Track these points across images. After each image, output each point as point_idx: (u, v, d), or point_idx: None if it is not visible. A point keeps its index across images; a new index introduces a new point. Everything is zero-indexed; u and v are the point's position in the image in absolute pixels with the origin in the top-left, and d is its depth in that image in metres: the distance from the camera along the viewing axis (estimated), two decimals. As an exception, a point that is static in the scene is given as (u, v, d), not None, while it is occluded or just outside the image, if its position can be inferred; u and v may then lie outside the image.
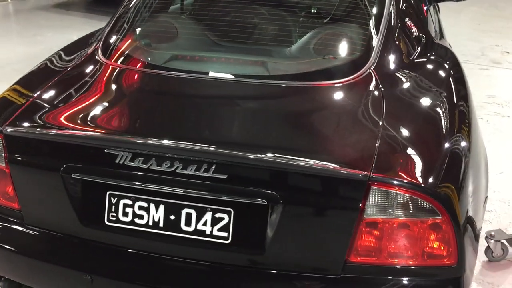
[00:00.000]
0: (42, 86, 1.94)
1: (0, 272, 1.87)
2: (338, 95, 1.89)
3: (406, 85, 1.99)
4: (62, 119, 1.76)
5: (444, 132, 1.74)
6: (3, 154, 1.71)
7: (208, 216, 1.57)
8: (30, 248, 1.77)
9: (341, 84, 1.88)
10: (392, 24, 2.12)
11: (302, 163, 1.50)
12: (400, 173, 1.50)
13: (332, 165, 1.49)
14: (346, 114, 1.80)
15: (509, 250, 2.65)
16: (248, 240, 1.57)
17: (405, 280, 1.55)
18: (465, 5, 8.24)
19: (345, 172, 1.48)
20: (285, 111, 1.84)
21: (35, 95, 1.89)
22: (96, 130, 1.71)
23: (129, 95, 1.97)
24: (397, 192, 1.48)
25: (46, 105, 1.83)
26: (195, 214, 1.58)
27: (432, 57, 2.26)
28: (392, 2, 2.20)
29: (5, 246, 1.78)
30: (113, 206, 1.63)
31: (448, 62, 2.30)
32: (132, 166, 1.55)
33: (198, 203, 1.57)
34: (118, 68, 2.04)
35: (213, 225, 1.57)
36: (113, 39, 2.17)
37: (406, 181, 1.47)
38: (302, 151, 1.59)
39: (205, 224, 1.58)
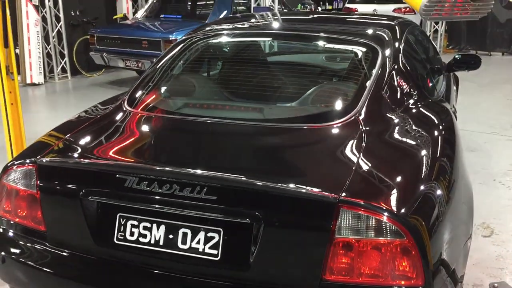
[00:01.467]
0: (73, 130, 2.29)
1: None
2: (323, 135, 2.13)
3: (388, 130, 2.19)
4: (84, 152, 2.07)
5: (413, 171, 1.93)
6: (35, 182, 2.02)
7: (201, 235, 1.79)
8: (51, 266, 2.01)
9: (327, 127, 2.12)
10: (382, 80, 2.37)
11: (279, 186, 1.72)
12: (367, 197, 1.68)
13: (306, 188, 1.70)
14: (327, 149, 2.03)
15: (513, 302, 2.68)
16: (235, 258, 1.77)
17: (376, 299, 1.69)
18: (500, 82, 8.41)
19: (317, 194, 1.68)
20: (273, 147, 2.10)
21: (66, 136, 2.22)
22: (109, 159, 2.01)
23: (140, 133, 2.29)
24: (364, 214, 1.66)
25: (73, 143, 2.16)
26: (190, 233, 1.81)
27: (421, 111, 2.47)
28: (383, 63, 2.47)
29: (30, 263, 2.03)
30: (122, 227, 1.88)
31: (438, 118, 2.50)
32: (138, 189, 1.82)
33: (192, 223, 1.80)
34: (137, 114, 2.37)
35: (205, 243, 1.79)
36: (138, 93, 2.53)
37: (372, 203, 1.66)
38: (282, 177, 1.81)
39: (198, 242, 1.80)
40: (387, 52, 2.59)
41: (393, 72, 2.48)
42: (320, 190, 1.69)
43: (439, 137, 2.29)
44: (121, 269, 1.90)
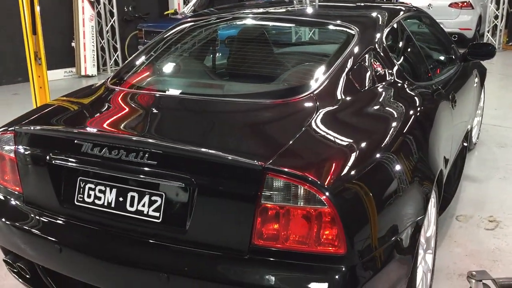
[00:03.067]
0: (58, 101, 2.48)
1: (4, 244, 2.33)
2: (274, 110, 2.18)
3: (342, 109, 2.21)
4: (55, 121, 2.26)
5: (350, 147, 1.94)
6: (13, 148, 2.22)
7: (146, 198, 1.92)
8: (26, 224, 2.21)
9: (281, 102, 2.19)
10: (350, 62, 2.40)
11: (210, 152, 1.81)
12: (294, 166, 1.74)
13: (235, 156, 1.78)
14: (273, 122, 2.11)
15: (493, 292, 2.62)
16: (174, 220, 1.88)
17: (300, 264, 1.74)
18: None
19: (244, 161, 1.76)
20: (220, 119, 2.19)
21: (49, 107, 2.42)
22: (71, 127, 2.18)
23: (106, 105, 2.44)
24: (288, 182, 1.72)
25: (51, 113, 2.35)
26: (137, 197, 1.93)
27: (389, 94, 2.46)
28: (357, 46, 2.50)
29: (11, 222, 2.24)
30: (81, 189, 2.04)
31: (408, 102, 2.49)
32: (92, 154, 1.97)
33: (139, 187, 1.93)
34: (112, 89, 2.55)
35: (149, 206, 1.91)
36: (121, 72, 2.72)
37: (296, 172, 1.71)
38: (217, 145, 1.91)
39: (144, 205, 1.92)
40: (365, 35, 2.60)
41: (367, 55, 2.50)
42: (248, 157, 1.77)
43: (396, 120, 2.26)
44: (81, 228, 2.06)
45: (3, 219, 2.24)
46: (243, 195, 1.77)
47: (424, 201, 2.15)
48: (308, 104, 2.17)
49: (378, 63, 2.54)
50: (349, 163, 1.83)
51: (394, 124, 2.19)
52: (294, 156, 1.82)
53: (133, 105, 2.39)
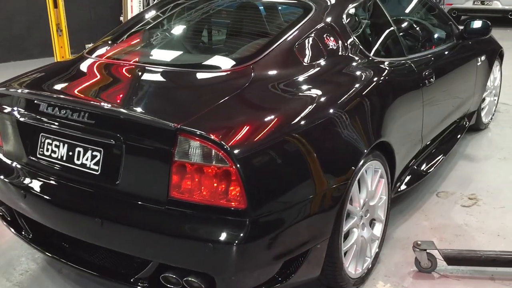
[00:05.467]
0: (42, 68, 2.81)
1: None
2: (210, 79, 2.38)
3: (279, 81, 2.36)
4: (28, 84, 2.57)
5: (269, 117, 2.09)
6: None
7: (89, 153, 2.19)
8: (4, 175, 2.54)
9: (219, 72, 2.40)
10: (299, 36, 2.54)
11: (134, 113, 2.06)
12: (204, 128, 1.94)
13: (154, 117, 2.01)
14: (204, 90, 2.31)
15: (438, 262, 2.72)
16: (109, 173, 2.14)
17: (208, 216, 1.96)
18: None
19: (161, 121, 1.98)
20: (158, 86, 2.42)
21: (31, 73, 2.75)
22: (35, 89, 2.47)
23: (71, 71, 2.71)
24: (197, 142, 1.92)
25: (30, 77, 2.66)
26: (83, 151, 2.21)
27: (334, 68, 2.58)
28: (310, 20, 2.63)
29: None
30: (42, 144, 2.35)
31: (353, 76, 2.61)
32: (47, 113, 2.26)
33: (83, 143, 2.20)
34: (84, 58, 2.83)
35: (91, 160, 2.19)
36: (98, 43, 3.00)
37: (204, 134, 1.91)
38: (142, 107, 2.16)
39: (87, 159, 2.20)
40: (322, 10, 2.72)
41: (319, 29, 2.63)
42: (166, 119, 1.99)
43: (329, 94, 2.37)
44: (40, 177, 2.37)
45: None
46: (161, 153, 1.99)
47: (349, 173, 2.29)
48: (244, 75, 2.34)
49: (331, 38, 2.66)
50: (261, 131, 2.00)
51: (324, 98, 2.32)
52: (208, 120, 2.01)
53: (88, 72, 2.65)
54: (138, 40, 3.01)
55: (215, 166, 1.93)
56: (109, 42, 2.99)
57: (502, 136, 4.83)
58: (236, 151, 1.90)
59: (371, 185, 2.59)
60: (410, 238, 3.06)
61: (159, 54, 2.82)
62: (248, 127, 2.00)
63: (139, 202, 2.07)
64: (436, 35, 3.84)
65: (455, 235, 3.10)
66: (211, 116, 2.04)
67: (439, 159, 3.57)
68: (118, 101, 2.26)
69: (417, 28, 3.64)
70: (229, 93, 2.20)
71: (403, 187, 3.12)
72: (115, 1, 9.93)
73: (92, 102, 2.24)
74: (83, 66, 2.71)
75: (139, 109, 2.11)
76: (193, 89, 2.36)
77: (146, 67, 2.58)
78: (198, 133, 1.92)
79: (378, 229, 2.77)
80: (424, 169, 3.37)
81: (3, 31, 8.27)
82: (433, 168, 3.46)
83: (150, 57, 2.78)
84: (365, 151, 2.39)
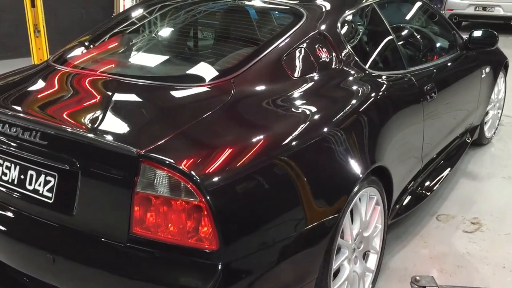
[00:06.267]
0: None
1: None
2: (183, 94, 2.08)
3: (262, 98, 2.08)
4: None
5: (244, 143, 1.81)
6: None
7: (42, 178, 1.91)
8: None
9: (196, 87, 2.10)
10: (288, 46, 2.26)
11: (92, 136, 1.77)
12: (171, 155, 1.66)
13: (115, 140, 1.73)
14: (174, 108, 2.01)
15: (438, 300, 2.45)
16: (63, 202, 1.86)
17: (175, 257, 1.68)
18: None
19: (122, 146, 1.70)
20: (122, 101, 2.10)
21: None
22: None
23: (30, 81, 2.39)
24: (162, 171, 1.65)
25: None
26: (35, 175, 1.93)
27: (322, 85, 2.30)
28: (301, 30, 2.35)
29: None
30: None
31: (339, 95, 2.33)
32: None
33: (36, 166, 1.92)
34: (47, 66, 2.51)
35: (44, 186, 1.90)
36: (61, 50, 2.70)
37: (171, 162, 1.63)
38: (103, 129, 1.86)
39: (40, 184, 1.91)
40: (314, 19, 2.44)
41: (310, 40, 2.35)
42: (127, 143, 1.71)
43: (318, 113, 2.10)
44: None
45: None
46: (121, 182, 1.72)
47: (340, 204, 2.01)
48: (223, 90, 2.06)
49: (324, 50, 2.38)
50: (238, 158, 1.72)
51: (313, 119, 2.05)
52: (176, 145, 1.74)
53: (48, 84, 2.36)
54: (111, 46, 2.69)
55: (183, 200, 1.65)
56: (80, 47, 2.69)
57: (505, 151, 4.57)
58: (207, 183, 1.62)
59: (366, 214, 2.32)
60: (408, 268, 2.79)
61: (130, 64, 2.49)
62: (223, 154, 1.72)
63: (97, 238, 1.79)
64: (438, 45, 3.57)
65: (456, 266, 2.83)
66: (180, 141, 1.76)
67: (440, 179, 3.30)
68: (74, 120, 1.96)
69: (419, 38, 3.37)
70: (204, 112, 1.92)
71: (400, 212, 2.85)
72: (107, 0, 9.63)
73: (43, 120, 1.94)
74: (44, 76, 2.41)
75: (97, 130, 1.82)
76: (164, 107, 2.05)
77: (113, 80, 2.27)
78: (163, 161, 1.65)
79: (372, 261, 2.50)
80: (424, 191, 3.10)
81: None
82: (433, 190, 3.19)
83: (120, 67, 2.46)
84: (359, 178, 2.12)
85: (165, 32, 2.68)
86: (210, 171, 1.65)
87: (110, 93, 2.16)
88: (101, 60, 2.48)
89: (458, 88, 3.44)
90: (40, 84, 2.37)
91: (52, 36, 7.28)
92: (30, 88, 2.33)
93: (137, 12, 2.90)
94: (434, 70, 3.15)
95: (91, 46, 2.67)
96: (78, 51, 2.62)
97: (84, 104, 2.09)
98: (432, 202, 3.53)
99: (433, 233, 3.16)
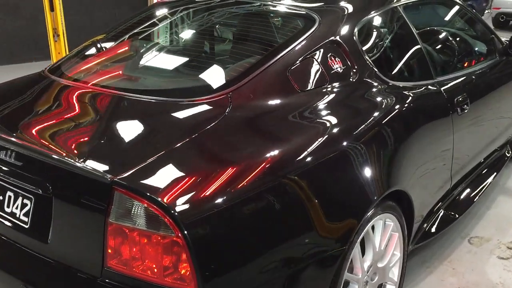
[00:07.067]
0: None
1: None
2: (172, 110, 1.88)
3: (262, 116, 1.87)
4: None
5: (244, 167, 1.59)
6: None
7: (19, 201, 1.76)
8: None
9: (186, 102, 1.89)
10: (293, 58, 2.03)
11: (64, 158, 1.60)
12: (146, 184, 1.48)
13: (87, 166, 1.55)
14: (158, 128, 1.81)
15: None
16: (39, 229, 1.70)
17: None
18: None
19: (94, 173, 1.52)
20: (103, 121, 1.90)
21: None
22: None
23: (21, 91, 2.23)
24: (136, 201, 1.46)
25: None
26: (13, 197, 1.78)
27: (334, 99, 2.05)
28: (312, 37, 2.12)
29: None
30: None
31: (352, 110, 2.09)
32: None
33: (14, 188, 1.77)
34: (41, 77, 2.34)
35: (21, 209, 1.75)
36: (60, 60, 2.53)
37: (145, 191, 1.45)
38: (79, 151, 1.68)
39: (17, 207, 1.77)
40: (327, 25, 2.21)
41: (322, 48, 2.11)
42: (100, 168, 1.53)
43: (324, 133, 1.85)
44: None
45: None
46: (94, 211, 1.54)
47: (345, 236, 1.78)
48: (217, 106, 1.85)
49: (337, 60, 2.14)
50: (222, 188, 1.51)
51: (318, 140, 1.81)
52: (155, 171, 1.54)
53: (35, 97, 2.19)
54: (107, 56, 2.47)
55: (159, 235, 1.46)
56: (77, 56, 2.52)
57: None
58: (186, 216, 1.43)
59: (380, 244, 2.07)
60: (432, 300, 2.53)
61: (123, 76, 2.28)
62: (207, 182, 1.51)
63: (71, 270, 1.63)
64: (473, 51, 3.25)
65: (488, 299, 2.55)
66: (160, 166, 1.56)
67: (474, 198, 3.00)
68: (49, 139, 1.78)
69: (451, 43, 3.07)
70: (192, 132, 1.71)
71: (425, 237, 2.58)
72: (139, 1, 9.60)
73: (16, 139, 1.78)
74: (31, 89, 2.24)
75: (72, 152, 1.65)
76: (149, 126, 1.85)
77: (100, 94, 2.07)
78: (136, 189, 1.46)
79: (389, 293, 2.25)
80: (454, 213, 2.81)
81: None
82: (465, 211, 2.90)
83: (112, 79, 2.23)
84: (370, 205, 1.88)
85: (164, 40, 2.48)
86: (191, 202, 1.45)
87: (93, 109, 1.97)
88: (94, 71, 2.30)
89: (496, 97, 3.13)
90: (27, 97, 2.20)
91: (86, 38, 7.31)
92: (13, 102, 2.16)
93: (144, 17, 2.71)
94: (467, 79, 2.85)
95: (89, 55, 2.50)
96: (74, 61, 2.45)
97: (63, 122, 1.91)
98: (465, 222, 3.23)
99: (463, 258, 2.87)
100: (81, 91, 2.09)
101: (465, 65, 3.06)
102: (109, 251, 1.54)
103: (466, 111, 2.67)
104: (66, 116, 1.94)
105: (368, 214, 1.89)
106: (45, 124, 1.90)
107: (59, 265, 1.66)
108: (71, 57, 2.51)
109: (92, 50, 2.50)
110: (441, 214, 2.72)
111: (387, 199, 2.05)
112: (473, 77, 2.93)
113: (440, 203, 2.70)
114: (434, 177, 2.50)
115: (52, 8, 4.03)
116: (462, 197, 2.94)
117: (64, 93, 2.12)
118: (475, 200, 3.02)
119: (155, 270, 1.49)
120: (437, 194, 2.63)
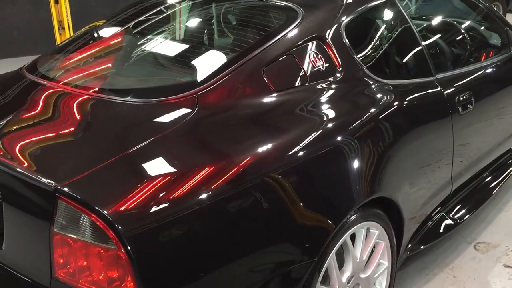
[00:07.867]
0: None
1: None
2: (132, 112, 1.78)
3: (231, 116, 1.76)
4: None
5: (202, 174, 1.48)
6: None
7: None
8: None
9: (147, 103, 1.79)
10: (269, 55, 1.91)
11: (12, 163, 1.53)
12: (89, 192, 1.40)
13: (32, 171, 1.48)
14: (119, 129, 1.72)
15: None
16: None
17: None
18: None
19: (37, 179, 1.45)
20: (60, 122, 1.81)
21: None
22: None
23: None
24: (78, 210, 1.38)
25: None
26: None
27: (312, 99, 1.92)
28: (294, 32, 1.99)
29: None
30: None
31: (330, 111, 1.93)
32: None
33: None
34: (18, 75, 2.25)
35: None
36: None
37: (87, 200, 1.37)
38: (29, 155, 1.60)
39: None
40: (311, 19, 2.07)
41: (304, 44, 1.98)
42: (45, 175, 1.46)
43: (293, 137, 1.73)
44: None
45: None
46: (40, 219, 1.47)
47: (315, 245, 1.66)
48: (182, 107, 1.75)
49: (320, 57, 2.01)
50: (174, 198, 1.41)
51: (289, 142, 1.69)
52: (103, 178, 1.46)
53: (4, 97, 2.13)
54: (82, 52, 2.36)
55: (102, 248, 1.38)
56: (54, 53, 2.43)
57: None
58: (128, 228, 1.34)
59: (361, 254, 1.94)
60: (427, 310, 2.39)
61: (93, 74, 2.15)
62: (155, 191, 1.42)
63: (23, 278, 1.57)
64: (483, 45, 3.05)
65: (487, 310, 2.39)
66: (108, 173, 1.47)
67: (479, 204, 2.82)
68: (6, 140, 1.70)
69: (456, 37, 2.88)
70: (150, 135, 1.62)
71: (422, 243, 2.44)
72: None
73: None
74: (3, 88, 2.18)
75: (21, 156, 1.58)
76: (106, 129, 1.75)
77: (62, 92, 1.97)
78: (78, 198, 1.38)
79: (376, 303, 2.12)
80: (454, 218, 2.65)
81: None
82: (470, 215, 2.73)
83: (79, 77, 2.09)
84: (346, 214, 1.76)
85: (136, 39, 2.35)
86: (136, 213, 1.36)
87: (53, 111, 1.87)
88: (65, 68, 2.21)
89: (506, 95, 2.93)
90: (6, 92, 2.13)
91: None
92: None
93: (112, 19, 2.59)
94: (474, 76, 2.67)
95: (64, 52, 2.39)
96: (49, 58, 2.36)
97: (17, 123, 1.83)
98: (473, 226, 3.05)
99: (466, 266, 2.71)
100: (48, 91, 2.00)
101: (472, 60, 2.86)
102: (57, 261, 1.46)
103: (469, 110, 2.49)
104: (22, 117, 1.87)
105: (346, 221, 1.77)
106: (4, 124, 1.83)
107: (12, 272, 1.60)
108: (48, 55, 2.43)
109: (69, 47, 2.42)
110: (440, 219, 2.56)
111: (372, 206, 1.93)
112: (481, 73, 2.74)
113: (440, 207, 2.55)
114: (430, 182, 2.35)
115: (56, 1, 3.99)
116: (465, 201, 2.76)
117: (27, 92, 2.05)
118: (481, 205, 2.85)
119: (101, 283, 1.41)
120: (436, 199, 2.47)
